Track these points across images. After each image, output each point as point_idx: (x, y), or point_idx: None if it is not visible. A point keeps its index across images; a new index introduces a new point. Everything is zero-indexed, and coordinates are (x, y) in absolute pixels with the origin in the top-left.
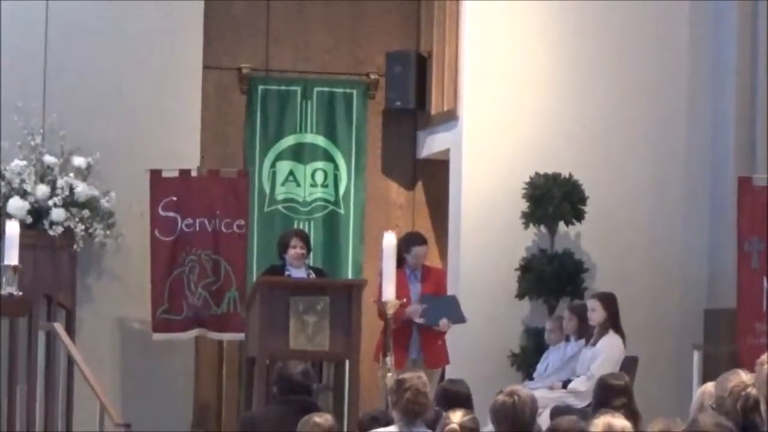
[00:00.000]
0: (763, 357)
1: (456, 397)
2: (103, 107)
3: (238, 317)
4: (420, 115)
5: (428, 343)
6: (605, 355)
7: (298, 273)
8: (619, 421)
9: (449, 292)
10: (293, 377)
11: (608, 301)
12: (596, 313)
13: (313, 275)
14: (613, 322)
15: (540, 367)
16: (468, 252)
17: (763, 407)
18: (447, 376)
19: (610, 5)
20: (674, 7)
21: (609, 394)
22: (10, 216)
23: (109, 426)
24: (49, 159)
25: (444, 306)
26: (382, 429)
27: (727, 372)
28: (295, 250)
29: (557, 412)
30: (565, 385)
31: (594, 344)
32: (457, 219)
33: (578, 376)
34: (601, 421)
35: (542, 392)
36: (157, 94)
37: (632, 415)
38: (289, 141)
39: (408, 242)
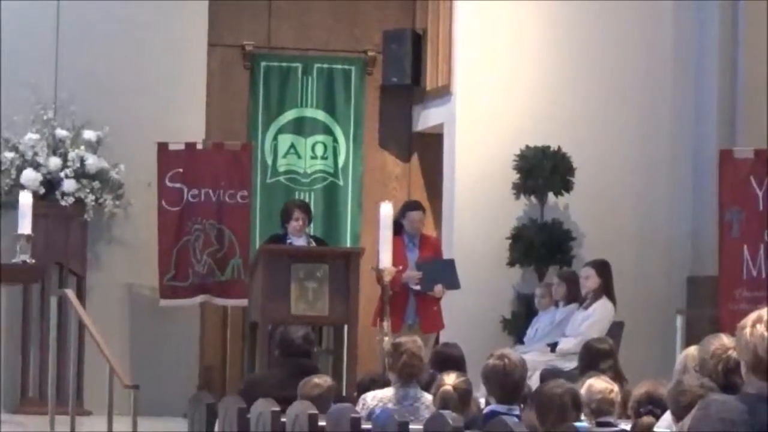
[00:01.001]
0: (744, 321)
1: (449, 359)
2: (113, 83)
3: (242, 284)
4: (415, 91)
5: (424, 309)
6: (596, 317)
7: (298, 242)
8: (600, 382)
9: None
10: (294, 341)
11: (602, 268)
12: (590, 281)
13: (313, 244)
14: (606, 289)
15: (530, 331)
16: (461, 221)
17: (743, 369)
18: (441, 341)
19: None
20: None
21: (595, 358)
22: (23, 187)
23: (118, 387)
24: (60, 132)
25: (440, 270)
26: (379, 390)
27: (710, 336)
28: (297, 223)
29: (548, 374)
30: (553, 348)
31: (586, 308)
32: (451, 190)
33: (567, 337)
34: (585, 382)
35: (532, 355)
36: (164, 70)
37: (618, 377)
38: (290, 115)
39: (404, 208)
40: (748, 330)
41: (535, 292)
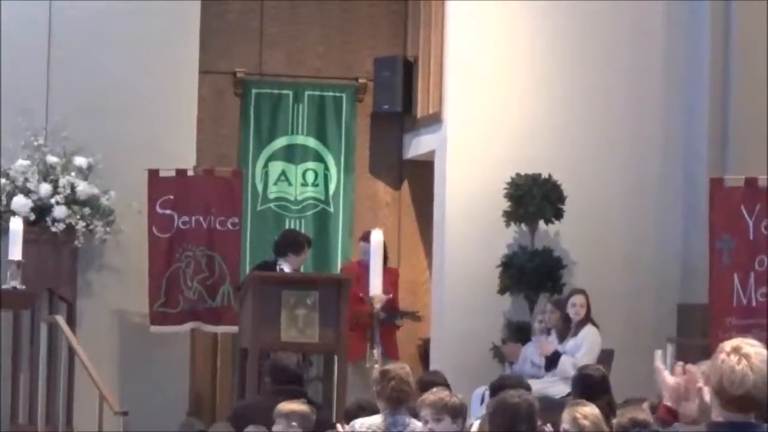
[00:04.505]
0: (724, 345)
1: (434, 386)
2: (104, 110)
3: (232, 310)
4: (406, 118)
5: (386, 337)
6: (588, 344)
7: (288, 269)
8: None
9: (434, 287)
10: (287, 368)
11: (587, 295)
12: (583, 308)
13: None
14: (590, 315)
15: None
16: (452, 249)
17: (706, 396)
18: (432, 366)
19: (592, 14)
20: (649, 19)
21: (590, 388)
22: (14, 213)
23: (108, 414)
24: (51, 159)
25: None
26: (367, 417)
27: (699, 363)
28: (304, 257)
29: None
30: (554, 358)
31: (575, 335)
32: (442, 217)
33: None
34: (569, 410)
35: (533, 382)
36: (155, 97)
37: (610, 406)
38: (281, 142)
39: (362, 239)
40: (722, 356)
41: (526, 320)
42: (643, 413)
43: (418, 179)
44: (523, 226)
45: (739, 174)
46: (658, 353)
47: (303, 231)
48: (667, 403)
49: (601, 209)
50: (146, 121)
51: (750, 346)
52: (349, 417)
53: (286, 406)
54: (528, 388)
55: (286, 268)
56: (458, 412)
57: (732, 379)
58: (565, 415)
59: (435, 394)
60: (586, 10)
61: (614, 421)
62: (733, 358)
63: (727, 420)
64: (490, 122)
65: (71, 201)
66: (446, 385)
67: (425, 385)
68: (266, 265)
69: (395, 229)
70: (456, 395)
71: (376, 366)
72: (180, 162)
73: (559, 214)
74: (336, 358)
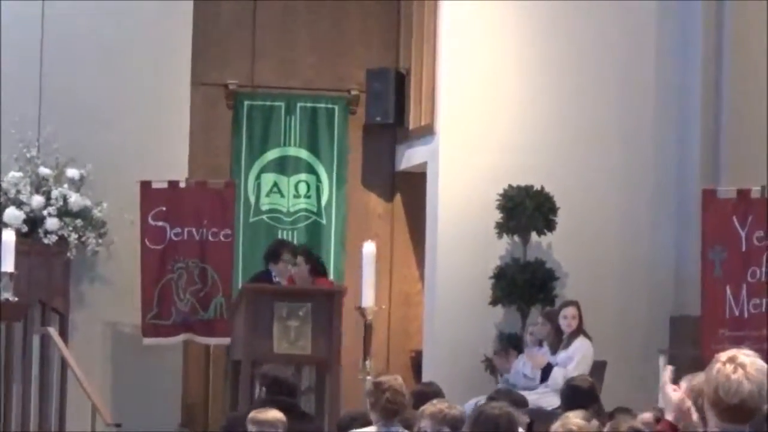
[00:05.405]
0: (720, 355)
1: (430, 397)
2: (96, 121)
3: (225, 322)
4: (398, 130)
5: None
6: (580, 356)
7: (283, 280)
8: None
9: (427, 299)
10: (285, 380)
11: (579, 307)
12: (575, 320)
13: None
14: (582, 327)
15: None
16: (444, 260)
17: (706, 402)
18: (424, 378)
19: (583, 27)
20: (640, 30)
21: (579, 398)
22: (6, 225)
23: (101, 425)
24: (44, 171)
25: None
26: (360, 429)
27: (691, 375)
28: (284, 264)
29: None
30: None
31: (566, 347)
32: (434, 229)
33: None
34: (560, 421)
35: (526, 394)
36: (147, 109)
37: (600, 416)
38: (273, 154)
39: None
40: (718, 365)
41: (516, 332)
42: (639, 423)
43: (411, 191)
44: (516, 238)
45: (731, 185)
46: (667, 368)
47: (296, 242)
48: (669, 418)
49: (594, 221)
50: (138, 132)
51: (745, 355)
52: (341, 429)
53: (257, 415)
54: (525, 404)
55: (280, 278)
56: (458, 424)
57: (727, 387)
58: (554, 428)
59: (435, 406)
60: (578, 22)
61: (605, 430)
62: (729, 367)
63: (723, 431)
64: (482, 134)
65: (63, 213)
66: (441, 396)
67: (420, 397)
68: (261, 276)
69: (388, 241)
70: (456, 406)
71: (369, 378)
72: (172, 174)
73: (551, 226)
74: (329, 369)
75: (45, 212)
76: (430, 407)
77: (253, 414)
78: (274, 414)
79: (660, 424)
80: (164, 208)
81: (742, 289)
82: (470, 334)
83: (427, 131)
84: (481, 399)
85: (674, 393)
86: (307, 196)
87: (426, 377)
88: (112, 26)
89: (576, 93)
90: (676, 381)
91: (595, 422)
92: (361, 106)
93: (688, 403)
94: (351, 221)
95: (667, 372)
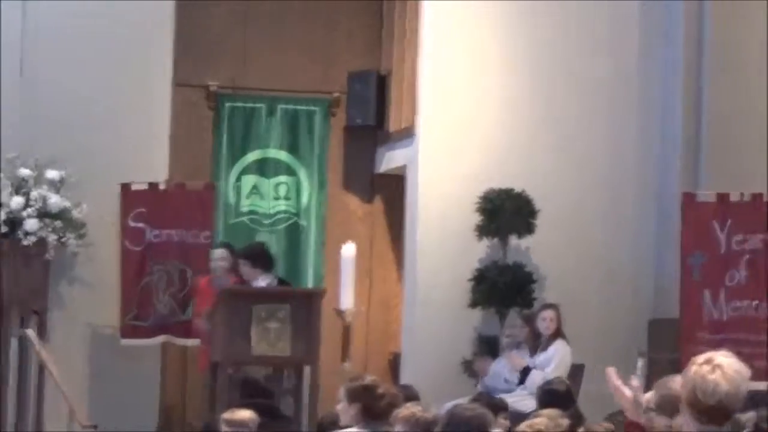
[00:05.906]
0: (697, 357)
1: (405, 399)
2: (76, 122)
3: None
4: (379, 132)
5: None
6: (558, 359)
7: (260, 283)
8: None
9: (406, 301)
10: (257, 382)
11: (558, 310)
12: (554, 323)
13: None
14: (561, 330)
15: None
16: (423, 263)
17: (682, 403)
18: (402, 380)
19: (565, 30)
20: (623, 35)
21: (555, 401)
22: None
23: (77, 427)
24: (23, 172)
25: None
26: (344, 430)
27: (667, 377)
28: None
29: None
30: (525, 372)
31: (545, 349)
32: (413, 231)
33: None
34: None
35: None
36: (128, 110)
37: (577, 418)
38: (254, 156)
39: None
40: (695, 367)
41: (496, 334)
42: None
43: (391, 193)
44: (495, 241)
45: (711, 189)
46: (611, 369)
47: (275, 244)
48: (630, 416)
49: (573, 224)
50: (119, 134)
51: (723, 357)
52: (321, 430)
53: (229, 415)
54: (505, 408)
55: (258, 283)
56: (431, 427)
57: (704, 388)
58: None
59: (408, 409)
60: (560, 25)
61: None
62: (706, 368)
63: None
64: (462, 136)
65: (43, 214)
66: (417, 400)
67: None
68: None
69: (367, 243)
70: (429, 410)
71: (348, 381)
72: (152, 175)
73: (531, 229)
74: (308, 371)
75: (24, 213)
76: (403, 411)
77: (225, 414)
78: (246, 414)
79: (625, 426)
80: (144, 210)
81: (721, 293)
82: (449, 337)
83: (407, 134)
84: (460, 402)
85: (627, 391)
86: (287, 198)
87: (404, 380)
88: (93, 28)
89: (557, 96)
90: (650, 383)
91: (565, 421)
92: (342, 108)
93: (641, 397)
94: (331, 223)
95: (613, 372)
